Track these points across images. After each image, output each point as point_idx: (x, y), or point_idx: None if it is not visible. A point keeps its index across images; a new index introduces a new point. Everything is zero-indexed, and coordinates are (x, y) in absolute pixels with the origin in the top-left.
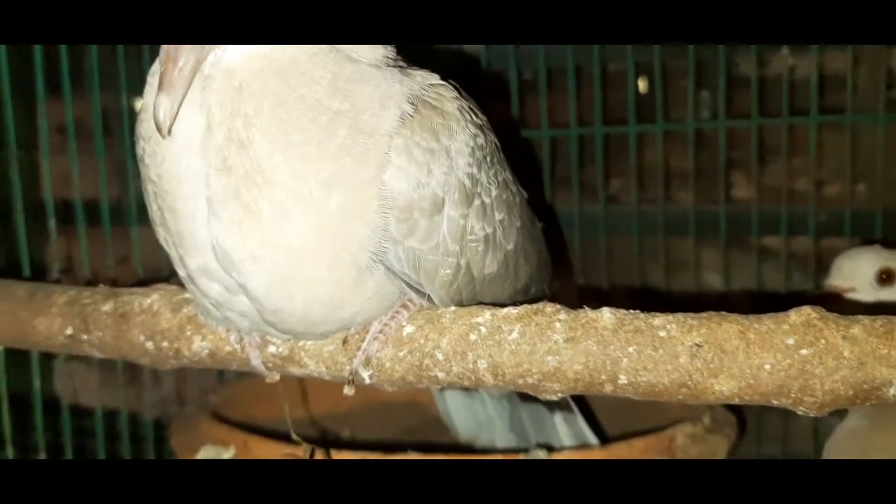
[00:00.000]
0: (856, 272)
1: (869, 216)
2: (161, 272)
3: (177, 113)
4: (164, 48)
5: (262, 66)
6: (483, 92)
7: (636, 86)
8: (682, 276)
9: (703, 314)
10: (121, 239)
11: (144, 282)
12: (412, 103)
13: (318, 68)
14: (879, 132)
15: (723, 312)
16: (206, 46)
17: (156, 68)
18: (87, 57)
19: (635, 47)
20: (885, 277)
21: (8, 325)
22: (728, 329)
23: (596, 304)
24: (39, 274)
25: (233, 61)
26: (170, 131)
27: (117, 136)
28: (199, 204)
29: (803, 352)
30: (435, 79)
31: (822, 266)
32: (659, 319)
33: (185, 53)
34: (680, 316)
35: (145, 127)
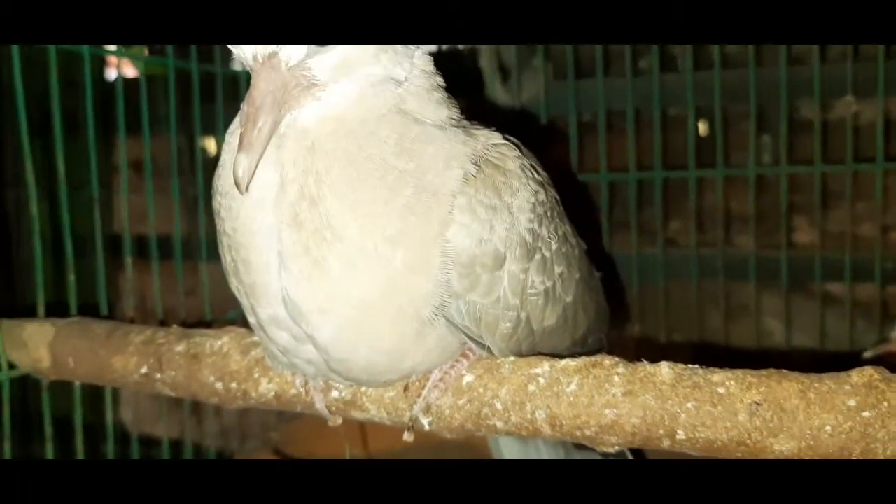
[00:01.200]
0: None
1: None
2: (227, 305)
3: (254, 171)
4: (245, 110)
5: (335, 127)
6: (542, 136)
7: (696, 130)
8: (742, 321)
9: (763, 371)
10: (190, 273)
11: (209, 323)
12: (475, 163)
13: (386, 129)
14: None
15: (783, 371)
16: (283, 108)
17: (234, 127)
18: (162, 99)
19: (696, 92)
20: None
21: (87, 363)
22: (788, 388)
23: (653, 354)
24: (113, 305)
25: (307, 122)
26: (247, 188)
27: (188, 174)
28: (271, 257)
29: (865, 414)
30: (497, 138)
31: (888, 314)
32: (718, 375)
33: (264, 115)
34: (739, 372)
35: (223, 182)
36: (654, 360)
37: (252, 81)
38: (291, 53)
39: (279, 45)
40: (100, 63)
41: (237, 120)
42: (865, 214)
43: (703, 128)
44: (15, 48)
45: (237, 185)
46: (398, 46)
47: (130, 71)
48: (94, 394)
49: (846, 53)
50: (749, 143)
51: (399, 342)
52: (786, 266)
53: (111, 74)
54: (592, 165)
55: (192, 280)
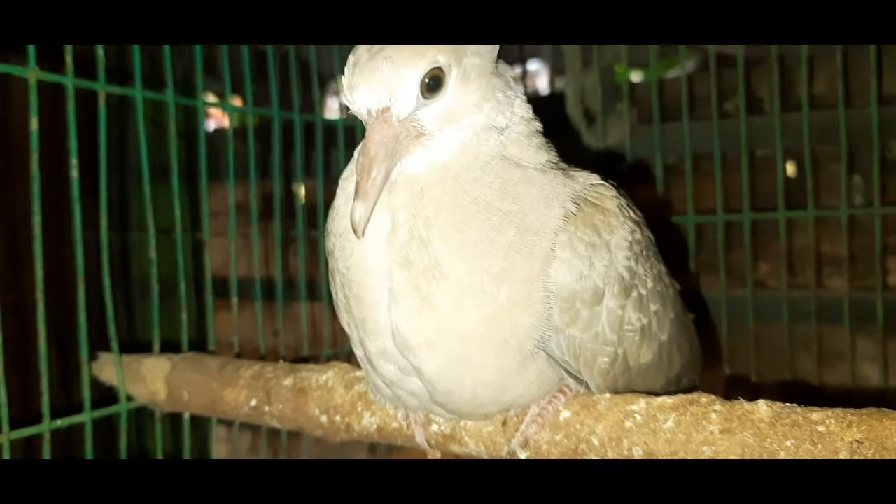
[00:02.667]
0: None
1: None
2: (322, 343)
3: (370, 217)
4: (360, 160)
5: (442, 174)
6: (628, 179)
7: (784, 171)
8: (836, 366)
9: (864, 410)
10: (290, 312)
11: (306, 359)
12: (575, 202)
13: (490, 174)
14: None
15: (884, 409)
16: (395, 158)
17: (348, 174)
18: (246, 148)
19: (783, 134)
20: None
21: (201, 395)
22: (890, 427)
23: (743, 395)
24: (217, 343)
25: (416, 169)
26: (363, 233)
27: (291, 217)
28: (381, 294)
29: None
30: (596, 179)
31: None
32: (817, 414)
33: (378, 165)
34: (839, 411)
35: (337, 224)
36: (751, 400)
37: (367, 133)
38: (402, 107)
39: (391, 100)
40: (205, 115)
41: (351, 167)
42: None
43: (791, 169)
44: (139, 98)
45: (354, 230)
46: (500, 95)
47: (225, 121)
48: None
49: None
50: (840, 184)
51: (502, 374)
52: (881, 309)
53: (210, 126)
54: (679, 208)
55: (290, 319)
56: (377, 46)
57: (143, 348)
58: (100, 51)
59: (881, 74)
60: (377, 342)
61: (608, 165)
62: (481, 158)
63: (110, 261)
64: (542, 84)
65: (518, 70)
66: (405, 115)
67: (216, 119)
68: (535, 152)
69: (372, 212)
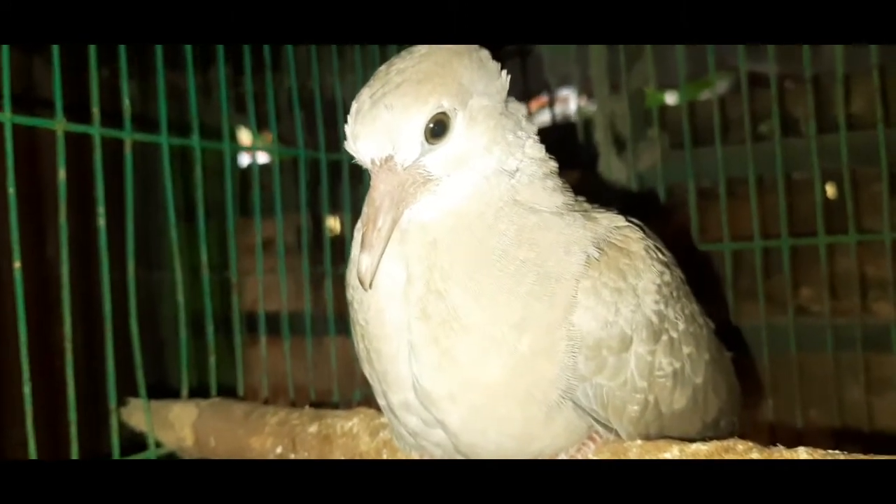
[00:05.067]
0: None
1: None
2: (354, 380)
3: (376, 268)
4: (366, 210)
5: (454, 222)
6: (661, 206)
7: (823, 194)
8: (886, 395)
9: None
10: (318, 349)
11: (336, 404)
12: (598, 246)
13: (504, 221)
14: None
15: None
16: (401, 206)
17: (360, 224)
18: (272, 185)
19: (821, 155)
20: None
21: (227, 442)
22: None
23: (790, 436)
24: (247, 381)
25: (426, 217)
26: (371, 285)
27: (317, 253)
28: (402, 346)
29: None
30: (620, 220)
31: None
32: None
33: (383, 215)
34: (885, 459)
35: (352, 276)
36: (791, 443)
37: (372, 183)
38: (406, 155)
39: (394, 149)
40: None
41: (361, 218)
42: None
43: (830, 191)
44: (165, 144)
45: (361, 282)
46: (510, 137)
47: (263, 157)
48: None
49: None
50: (882, 206)
51: (527, 426)
52: None
53: (244, 161)
54: (715, 234)
55: (321, 356)
56: (380, 91)
57: (175, 391)
58: (126, 100)
59: None
60: (399, 394)
61: (640, 193)
62: (493, 204)
63: (138, 306)
64: (572, 110)
65: (545, 97)
66: (409, 162)
67: (252, 155)
68: (549, 195)
69: (378, 263)
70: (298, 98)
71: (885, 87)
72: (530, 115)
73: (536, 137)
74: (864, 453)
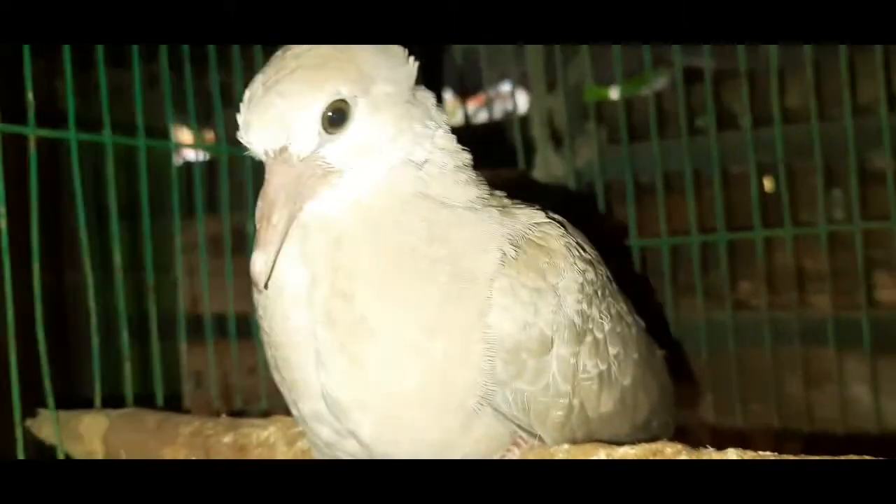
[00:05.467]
0: None
1: None
2: None
3: (272, 268)
4: (259, 206)
5: (358, 217)
6: (599, 202)
7: (760, 188)
8: (824, 388)
9: (854, 458)
10: (247, 351)
11: (266, 412)
12: (515, 244)
13: (413, 217)
14: None
15: (866, 457)
16: (299, 201)
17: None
18: (218, 182)
19: (757, 149)
20: None
21: (138, 454)
22: None
23: (729, 436)
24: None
25: (328, 211)
26: (266, 286)
27: (243, 254)
28: (308, 353)
29: None
30: (540, 216)
31: None
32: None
33: (279, 210)
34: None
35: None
36: (732, 439)
37: (266, 176)
38: (302, 146)
39: (288, 139)
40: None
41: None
42: None
43: (768, 184)
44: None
45: (255, 283)
46: (417, 126)
47: (190, 155)
48: None
49: None
50: (818, 199)
51: (444, 435)
52: (868, 327)
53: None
54: (653, 230)
55: (248, 359)
56: (274, 77)
57: (119, 402)
58: (29, 94)
59: (854, 84)
60: (309, 404)
61: (577, 189)
62: (400, 198)
63: (44, 311)
64: (510, 107)
65: (483, 94)
66: (306, 153)
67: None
68: (462, 188)
69: (274, 263)
70: (220, 94)
71: (819, 81)
72: (441, 105)
73: (447, 128)
74: (804, 447)
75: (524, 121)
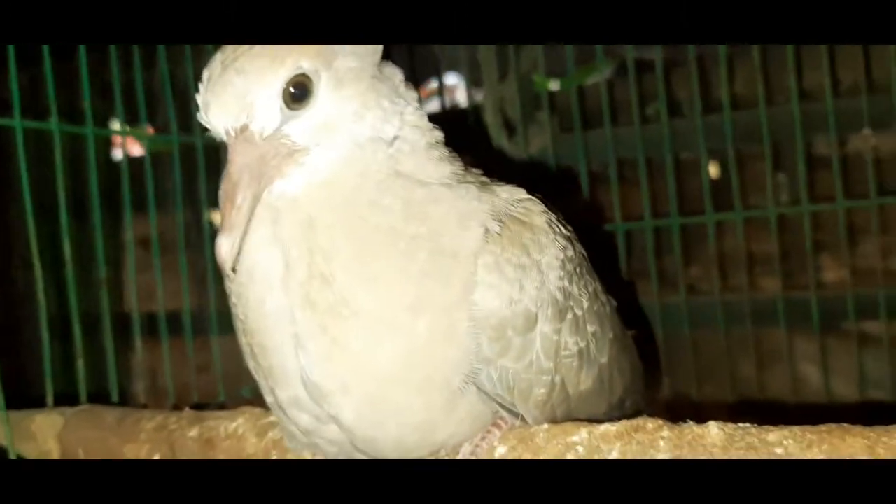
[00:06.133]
0: None
1: None
2: (240, 380)
3: (238, 251)
4: (222, 187)
5: (328, 196)
6: (552, 189)
7: (710, 174)
8: (775, 368)
9: (823, 427)
10: (202, 349)
11: (222, 404)
12: (499, 220)
13: (387, 195)
14: None
15: (844, 425)
16: (264, 181)
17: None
18: (169, 174)
19: (706, 135)
20: None
21: (98, 452)
22: (853, 444)
23: (686, 412)
24: (124, 387)
25: (296, 191)
26: (234, 270)
27: (197, 249)
28: (286, 338)
29: None
30: (521, 193)
31: None
32: (773, 434)
33: (243, 191)
34: (796, 430)
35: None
36: (686, 418)
37: (228, 156)
38: (264, 123)
39: (248, 116)
40: (105, 143)
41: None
42: (894, 247)
43: (714, 170)
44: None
45: (222, 268)
46: (385, 102)
47: (136, 149)
48: None
49: (859, 86)
50: (766, 183)
51: (428, 415)
52: (816, 307)
53: (117, 154)
54: (606, 216)
55: (204, 356)
56: (232, 56)
57: (71, 400)
58: None
59: (800, 70)
60: (288, 390)
61: (531, 176)
62: (372, 176)
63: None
64: (461, 97)
65: (434, 84)
66: (269, 131)
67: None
68: (436, 165)
69: (240, 245)
70: (171, 83)
71: (765, 67)
72: (410, 84)
73: (417, 105)
74: (757, 423)
75: (476, 109)
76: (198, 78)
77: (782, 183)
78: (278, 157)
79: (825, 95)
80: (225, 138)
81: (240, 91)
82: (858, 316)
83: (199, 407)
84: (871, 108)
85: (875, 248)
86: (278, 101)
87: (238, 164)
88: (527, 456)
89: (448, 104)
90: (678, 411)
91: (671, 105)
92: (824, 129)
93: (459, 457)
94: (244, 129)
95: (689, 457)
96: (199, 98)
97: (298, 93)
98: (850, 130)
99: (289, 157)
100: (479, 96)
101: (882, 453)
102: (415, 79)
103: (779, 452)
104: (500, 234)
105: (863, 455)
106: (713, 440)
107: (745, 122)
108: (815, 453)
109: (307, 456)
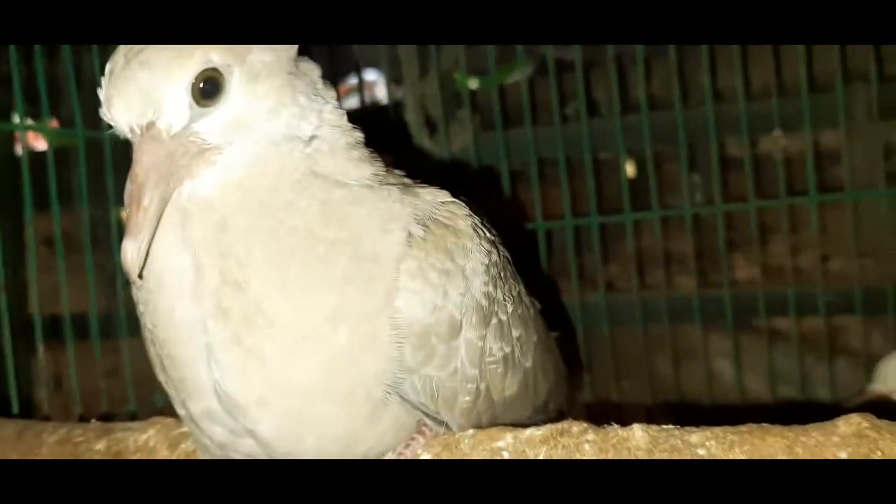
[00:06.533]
0: (893, 375)
1: (880, 292)
2: (152, 385)
3: (145, 256)
4: (127, 188)
5: (242, 197)
6: (474, 189)
7: (628, 173)
8: (690, 364)
9: (744, 427)
10: (111, 353)
11: (134, 414)
12: (422, 224)
13: (305, 197)
14: (882, 207)
15: (764, 425)
16: (173, 181)
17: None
18: (75, 170)
19: (624, 136)
20: None
21: None
22: (773, 444)
23: (605, 412)
24: (27, 395)
25: (208, 192)
26: (141, 276)
27: (105, 248)
28: (198, 349)
29: None
30: (445, 196)
31: (835, 345)
32: (696, 436)
33: (149, 192)
34: (718, 430)
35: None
36: (607, 418)
37: (134, 156)
38: (172, 121)
39: (155, 113)
40: (7, 138)
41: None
42: (803, 246)
43: (632, 170)
44: None
45: (128, 274)
46: (302, 99)
47: (40, 144)
48: None
49: (769, 88)
50: (682, 184)
51: (350, 428)
52: (730, 305)
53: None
54: (527, 215)
55: (113, 360)
56: (137, 47)
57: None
58: None
59: (715, 72)
60: (200, 403)
61: (452, 175)
62: (287, 177)
63: None
64: (381, 94)
65: (354, 81)
66: (178, 128)
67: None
68: (356, 166)
69: (147, 250)
70: (76, 74)
71: (681, 68)
72: (328, 82)
73: (336, 103)
74: (675, 422)
75: (397, 107)
76: (105, 69)
77: (697, 183)
78: (188, 157)
79: (738, 97)
80: (130, 136)
81: (144, 86)
82: (769, 313)
83: (108, 416)
84: (781, 110)
85: (785, 246)
86: (187, 97)
87: (144, 163)
88: None
89: (368, 101)
90: (599, 411)
91: (590, 105)
92: (737, 130)
93: None
94: (150, 126)
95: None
96: (102, 93)
97: (208, 88)
98: (762, 132)
99: (199, 156)
100: (399, 93)
101: (800, 453)
102: (334, 75)
103: (701, 454)
104: (423, 239)
105: (783, 455)
106: (637, 443)
107: (662, 122)
108: (737, 454)
109: None
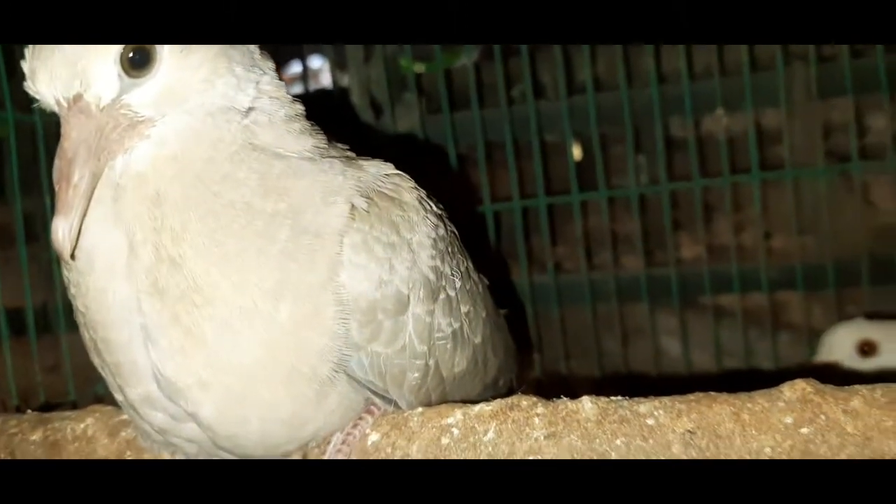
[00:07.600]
0: (836, 346)
1: (820, 268)
2: (93, 378)
3: (77, 235)
4: (56, 165)
5: (178, 169)
6: (420, 171)
7: (574, 155)
8: (638, 343)
9: (691, 396)
10: (49, 348)
11: (74, 403)
12: (365, 196)
13: (242, 169)
14: (821, 185)
15: (711, 393)
16: (104, 156)
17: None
18: (7, 161)
19: (570, 117)
20: (866, 349)
21: None
22: (720, 411)
23: (556, 388)
24: None
25: (142, 166)
26: (73, 256)
27: (40, 240)
28: (134, 331)
29: (804, 430)
30: (389, 168)
31: (779, 321)
32: (644, 406)
33: (80, 168)
34: (666, 400)
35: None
36: (557, 394)
37: (62, 130)
38: (100, 92)
39: (82, 85)
40: None
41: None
42: (745, 224)
43: (578, 152)
44: None
45: (59, 254)
46: (238, 69)
47: None
48: None
49: (711, 69)
50: (628, 165)
51: (296, 408)
52: (676, 283)
53: None
54: (475, 197)
55: (52, 355)
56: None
57: None
58: None
59: (659, 53)
60: (138, 388)
61: (398, 157)
62: (224, 149)
63: None
64: (326, 81)
65: (299, 68)
66: (107, 101)
67: None
68: (296, 138)
69: (79, 228)
70: (4, 55)
71: (626, 50)
72: (266, 53)
73: (275, 74)
74: (623, 395)
75: (342, 91)
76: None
77: (642, 164)
78: (119, 130)
79: (681, 78)
80: (57, 110)
81: (70, 56)
82: (714, 290)
83: (47, 408)
84: (724, 89)
85: (728, 224)
86: (115, 68)
87: (73, 138)
88: (401, 442)
89: (313, 88)
90: (548, 387)
91: (536, 87)
92: (681, 110)
93: (330, 447)
94: (77, 98)
95: (565, 434)
96: (26, 65)
97: (138, 58)
98: (704, 112)
99: (131, 129)
100: (344, 80)
101: (747, 419)
102: (277, 63)
103: (650, 423)
104: (367, 211)
105: (729, 422)
106: (587, 414)
107: (608, 104)
108: (685, 422)
109: (165, 456)
